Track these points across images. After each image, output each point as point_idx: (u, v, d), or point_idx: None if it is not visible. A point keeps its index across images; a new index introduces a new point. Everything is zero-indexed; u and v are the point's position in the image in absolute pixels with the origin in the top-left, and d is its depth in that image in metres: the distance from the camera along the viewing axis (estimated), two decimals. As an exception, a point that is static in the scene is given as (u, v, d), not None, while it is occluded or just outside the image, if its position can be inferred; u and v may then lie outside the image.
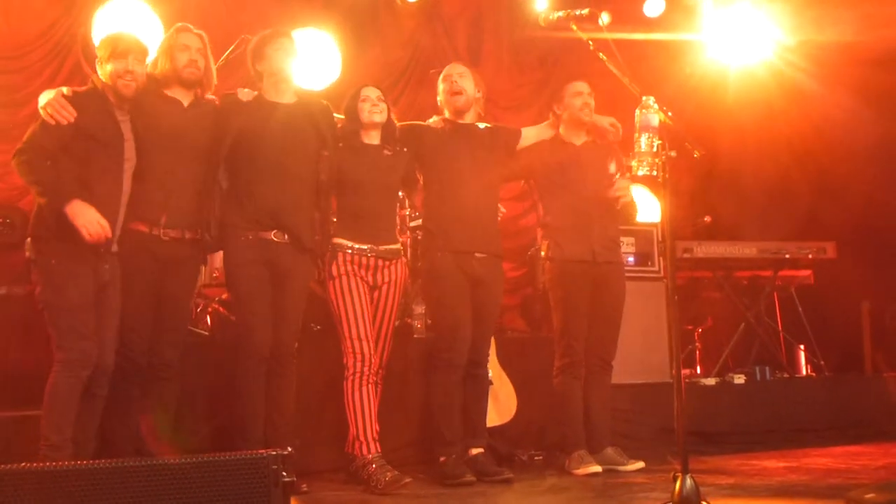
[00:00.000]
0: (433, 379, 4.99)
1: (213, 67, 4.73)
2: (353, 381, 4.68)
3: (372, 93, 4.96)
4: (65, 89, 4.32)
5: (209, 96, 4.74)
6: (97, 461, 3.04)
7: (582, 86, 5.34)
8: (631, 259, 6.75)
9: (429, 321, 5.67)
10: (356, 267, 4.79)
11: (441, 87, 5.24)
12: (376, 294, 4.88)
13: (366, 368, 4.68)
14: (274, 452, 3.01)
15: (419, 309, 5.86)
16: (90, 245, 4.11)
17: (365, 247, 4.81)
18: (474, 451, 4.99)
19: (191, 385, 4.93)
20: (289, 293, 4.64)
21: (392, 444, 5.02)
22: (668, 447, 5.27)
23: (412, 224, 6.21)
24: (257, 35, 4.90)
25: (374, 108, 4.92)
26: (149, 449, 4.43)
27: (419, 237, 5.73)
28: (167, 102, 4.58)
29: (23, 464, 3.01)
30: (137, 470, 2.96)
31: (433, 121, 5.26)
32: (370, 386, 4.70)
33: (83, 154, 4.23)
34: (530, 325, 7.52)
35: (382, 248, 4.86)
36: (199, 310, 6.15)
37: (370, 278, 4.83)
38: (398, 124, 5.07)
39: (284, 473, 2.99)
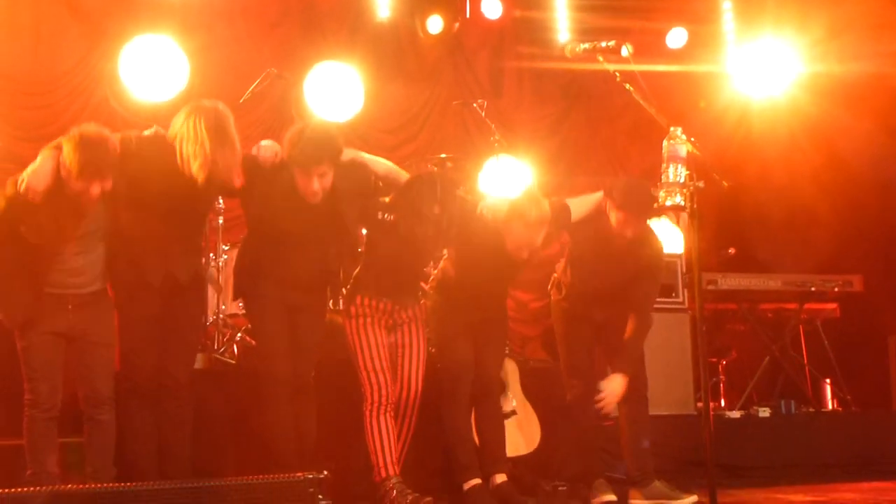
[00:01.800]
0: (443, 410, 4.98)
1: (238, 149, 4.30)
2: (370, 411, 4.67)
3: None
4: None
5: None
6: (144, 483, 3.05)
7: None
8: (655, 290, 6.71)
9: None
10: (374, 311, 4.77)
11: None
12: (400, 332, 4.85)
13: (383, 399, 4.66)
14: (311, 475, 2.99)
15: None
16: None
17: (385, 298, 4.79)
18: (498, 478, 4.97)
19: (217, 412, 4.94)
20: (304, 326, 4.67)
21: (417, 474, 4.98)
22: (693, 480, 5.23)
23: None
24: (303, 131, 4.45)
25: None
26: (166, 471, 4.39)
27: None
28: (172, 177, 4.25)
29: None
30: (179, 492, 2.97)
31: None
32: (387, 415, 4.67)
33: None
34: (552, 355, 7.46)
35: (402, 299, 4.85)
36: (225, 339, 6.17)
37: (388, 318, 4.83)
38: None
39: (321, 496, 2.98)
